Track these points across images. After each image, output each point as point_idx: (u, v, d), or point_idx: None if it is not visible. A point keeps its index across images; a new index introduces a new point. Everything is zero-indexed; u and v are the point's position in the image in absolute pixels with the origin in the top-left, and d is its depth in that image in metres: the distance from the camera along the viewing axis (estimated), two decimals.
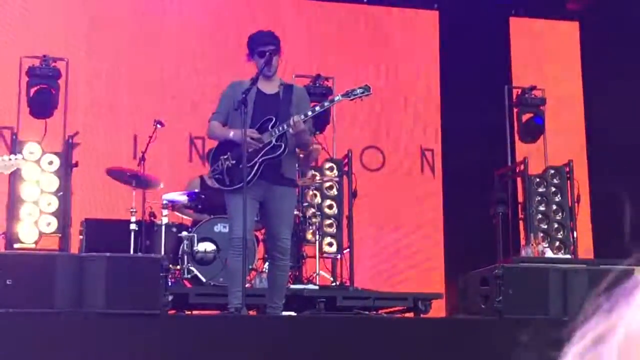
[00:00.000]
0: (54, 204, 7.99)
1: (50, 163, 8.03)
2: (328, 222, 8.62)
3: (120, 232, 7.73)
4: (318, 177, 8.53)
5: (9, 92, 8.52)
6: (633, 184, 10.19)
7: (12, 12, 9.44)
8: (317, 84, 9.05)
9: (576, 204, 9.12)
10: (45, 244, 8.04)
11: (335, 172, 8.76)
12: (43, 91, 8.37)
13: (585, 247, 9.66)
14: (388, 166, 10.24)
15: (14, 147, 7.99)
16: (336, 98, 6.43)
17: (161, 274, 5.30)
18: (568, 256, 8.74)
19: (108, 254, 5.35)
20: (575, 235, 9.04)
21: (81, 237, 7.90)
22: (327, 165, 8.77)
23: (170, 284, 6.98)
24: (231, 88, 6.21)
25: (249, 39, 6.22)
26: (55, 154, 8.07)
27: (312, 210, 8.39)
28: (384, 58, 10.41)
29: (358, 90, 6.17)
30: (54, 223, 7.98)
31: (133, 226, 7.69)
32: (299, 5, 10.26)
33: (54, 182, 8.01)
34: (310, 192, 8.50)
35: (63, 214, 7.99)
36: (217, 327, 5.63)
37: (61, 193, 7.99)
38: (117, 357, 5.00)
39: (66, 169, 8.02)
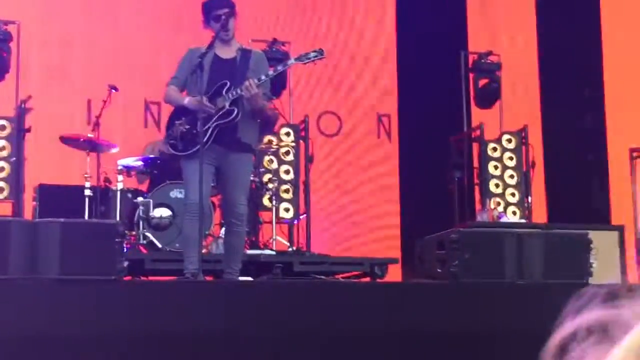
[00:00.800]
0: (7, 169, 7.88)
1: (3, 128, 7.92)
2: (284, 187, 8.61)
3: (75, 197, 7.64)
4: (274, 143, 8.50)
5: None
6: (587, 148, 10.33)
7: None
8: (274, 49, 8.98)
9: (531, 169, 9.19)
10: None
11: (292, 137, 8.74)
12: None
13: (540, 212, 9.75)
14: (345, 131, 10.22)
15: None
16: (289, 61, 6.40)
17: (116, 240, 5.24)
18: (523, 220, 8.82)
19: (62, 220, 5.27)
20: (530, 199, 9.12)
21: (35, 203, 7.81)
22: (284, 130, 8.75)
23: (125, 250, 6.91)
24: (189, 53, 6.18)
25: (203, 5, 6.16)
26: (7, 119, 7.96)
27: (269, 175, 8.37)
28: (341, 23, 10.36)
29: (311, 54, 6.15)
30: (7, 189, 7.88)
31: (88, 192, 7.60)
32: None
33: (6, 148, 7.90)
34: (267, 158, 8.47)
35: (16, 180, 7.89)
36: (174, 293, 5.59)
37: (14, 159, 7.88)
38: (72, 324, 4.94)
39: (19, 134, 7.91)
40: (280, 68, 6.35)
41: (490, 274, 5.85)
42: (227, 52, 6.10)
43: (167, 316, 5.20)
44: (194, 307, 5.33)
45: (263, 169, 8.40)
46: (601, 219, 9.37)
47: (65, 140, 8.05)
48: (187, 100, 5.98)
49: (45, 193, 7.84)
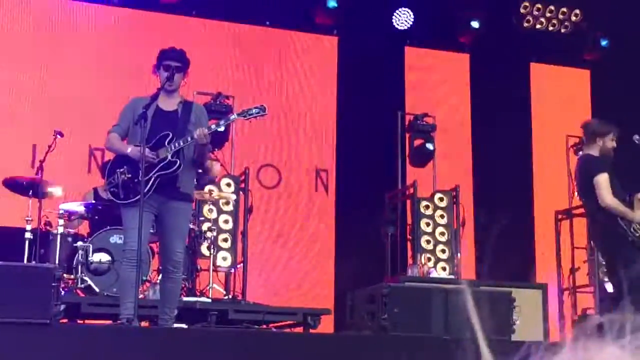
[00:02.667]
0: None
1: None
2: (223, 236, 8.58)
3: (15, 239, 7.50)
4: (215, 193, 8.48)
5: None
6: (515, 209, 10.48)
7: None
8: (218, 102, 9.00)
9: (461, 227, 9.29)
10: None
11: (232, 188, 8.73)
12: None
13: (469, 268, 9.83)
14: (284, 184, 10.24)
15: None
16: (232, 117, 6.40)
17: (53, 284, 5.15)
18: (452, 276, 8.88)
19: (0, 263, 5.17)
20: (459, 256, 9.20)
21: None
22: (225, 181, 8.74)
23: (63, 293, 6.83)
24: (132, 102, 6.15)
25: (160, 52, 6.17)
26: None
27: (208, 224, 8.34)
28: (284, 79, 10.43)
29: (254, 110, 6.16)
30: None
31: (28, 234, 7.48)
32: (203, 25, 10.19)
33: None
34: (207, 207, 8.44)
35: None
36: (108, 338, 5.50)
37: None
38: None
39: None
40: (222, 123, 6.35)
41: (418, 328, 5.88)
42: (169, 104, 6.08)
43: None
44: (128, 352, 5.24)
45: (203, 218, 8.37)
46: (526, 277, 9.47)
47: (6, 182, 7.93)
48: (130, 149, 5.94)
49: None
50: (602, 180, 6.81)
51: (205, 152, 6.08)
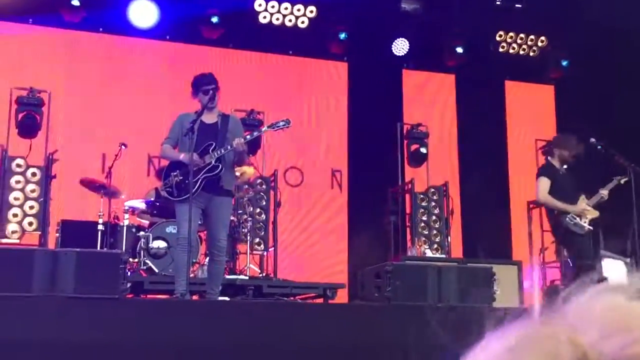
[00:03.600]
0: (36, 207, 7.79)
1: (34, 175, 7.85)
2: (258, 225, 8.58)
3: (90, 231, 7.56)
4: (251, 191, 8.50)
5: (1, 117, 8.27)
6: (494, 200, 10.44)
7: (4, 51, 9.17)
8: (251, 117, 9.02)
9: (450, 216, 9.25)
10: (28, 240, 7.82)
11: (264, 186, 8.74)
12: (29, 116, 8.18)
13: (457, 249, 9.80)
14: (306, 183, 10.23)
15: (4, 161, 7.78)
16: (263, 129, 6.43)
17: (120, 266, 5.19)
18: (443, 256, 8.85)
19: (78, 249, 5.21)
20: (449, 239, 9.17)
21: (57, 235, 7.70)
22: (258, 181, 8.75)
23: (129, 274, 6.85)
24: (180, 118, 6.18)
25: (194, 80, 6.18)
26: (38, 167, 7.88)
27: (245, 216, 8.35)
28: (304, 97, 10.42)
29: (280, 123, 6.18)
30: (35, 223, 7.78)
31: (100, 227, 7.54)
32: (239, 55, 10.20)
33: (36, 190, 7.82)
34: (244, 202, 8.45)
35: (43, 216, 7.79)
36: (166, 309, 5.54)
37: (42, 199, 7.79)
38: (84, 334, 4.86)
39: (46, 180, 7.83)
40: (255, 134, 6.38)
41: (416, 298, 5.87)
42: (210, 118, 6.10)
43: (161, 329, 5.14)
44: (183, 321, 5.27)
45: (241, 211, 8.39)
46: (504, 255, 9.44)
47: (83, 181, 7.99)
48: (182, 156, 5.96)
49: (66, 227, 7.75)
50: (540, 182, 7.22)
51: (243, 157, 6.09)
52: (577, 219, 7.06)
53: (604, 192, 7.26)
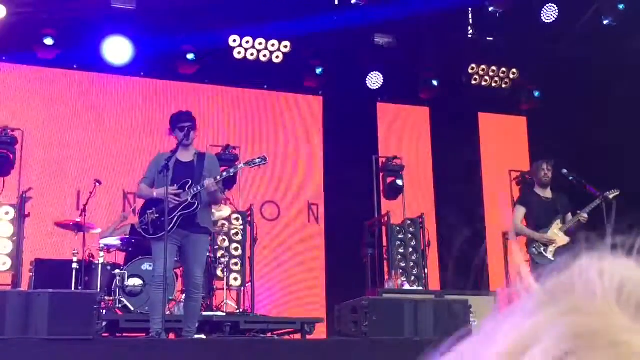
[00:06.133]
0: (9, 247, 7.71)
1: (7, 213, 7.78)
2: (234, 261, 8.55)
3: (65, 270, 7.49)
4: (226, 226, 8.48)
5: None
6: (470, 231, 10.50)
7: None
8: (227, 152, 9.03)
9: (427, 247, 9.28)
10: (1, 280, 7.74)
11: (241, 221, 8.73)
12: (2, 155, 8.13)
13: (434, 280, 9.82)
14: (282, 217, 10.23)
15: None
16: (239, 166, 6.44)
17: (95, 307, 5.15)
18: (421, 288, 8.86)
19: (51, 290, 5.17)
20: (426, 271, 9.19)
21: (31, 274, 7.62)
22: (234, 216, 8.73)
23: (104, 313, 6.80)
24: (157, 157, 6.20)
25: (171, 118, 6.20)
26: (11, 205, 7.82)
27: (222, 252, 8.33)
28: (280, 131, 10.46)
29: (257, 160, 6.19)
30: (9, 262, 7.70)
31: (75, 265, 7.48)
32: (214, 90, 10.24)
33: (10, 229, 7.75)
34: (220, 238, 8.43)
35: (16, 255, 7.71)
36: (142, 348, 5.49)
37: (15, 238, 7.72)
38: None
39: (20, 218, 7.77)
40: (231, 171, 6.38)
41: (393, 332, 5.87)
42: (186, 156, 6.11)
43: None
44: None
45: (217, 247, 8.37)
46: (481, 286, 9.46)
47: (58, 224, 7.95)
48: (156, 192, 5.97)
49: (40, 266, 7.67)
50: (515, 211, 7.46)
51: (216, 196, 6.09)
52: (542, 248, 7.16)
53: (583, 215, 7.33)
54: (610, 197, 7.38)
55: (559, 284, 0.53)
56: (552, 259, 7.04)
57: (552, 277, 0.54)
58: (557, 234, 7.20)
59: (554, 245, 7.13)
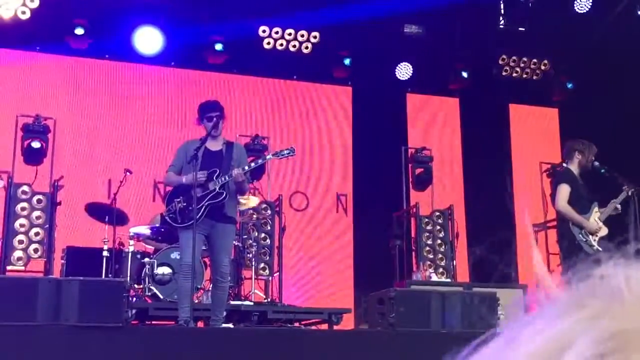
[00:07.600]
0: (41, 234, 7.82)
1: (39, 201, 7.88)
2: (262, 250, 8.58)
3: (95, 258, 7.57)
4: (255, 216, 8.51)
5: (7, 144, 8.34)
6: (499, 223, 10.42)
7: (11, 79, 9.27)
8: (256, 142, 9.06)
9: (456, 239, 9.24)
10: (33, 267, 7.85)
11: (269, 211, 8.75)
12: (35, 143, 8.23)
13: (463, 272, 9.77)
14: (311, 207, 10.25)
15: (10, 188, 7.83)
16: (267, 157, 6.43)
17: (123, 294, 5.20)
18: (448, 280, 8.83)
19: (81, 278, 5.23)
20: (454, 263, 9.15)
21: (62, 261, 7.72)
22: (263, 206, 8.76)
23: (134, 301, 6.88)
24: (185, 144, 6.20)
25: (199, 107, 6.21)
26: (43, 194, 7.92)
27: (250, 241, 8.36)
28: (309, 122, 10.46)
29: (285, 152, 6.18)
30: (41, 250, 7.81)
31: (105, 253, 7.56)
32: (243, 80, 10.27)
33: (42, 217, 7.85)
34: (249, 227, 8.46)
35: (48, 243, 7.82)
36: (170, 336, 5.54)
37: (47, 226, 7.83)
38: None
39: (52, 206, 7.87)
40: (260, 161, 6.38)
41: (420, 324, 5.85)
42: (215, 145, 6.12)
43: (164, 357, 5.14)
44: (186, 349, 5.27)
45: (246, 236, 8.40)
46: (510, 279, 9.40)
47: (88, 207, 8.01)
48: (185, 178, 5.97)
49: (71, 253, 7.78)
50: (560, 189, 6.67)
51: (243, 187, 6.08)
52: (590, 237, 6.74)
53: (618, 205, 6.95)
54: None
55: (585, 289, 0.53)
56: (598, 248, 6.66)
57: (582, 278, 0.55)
58: (598, 222, 6.83)
59: (597, 235, 6.74)
